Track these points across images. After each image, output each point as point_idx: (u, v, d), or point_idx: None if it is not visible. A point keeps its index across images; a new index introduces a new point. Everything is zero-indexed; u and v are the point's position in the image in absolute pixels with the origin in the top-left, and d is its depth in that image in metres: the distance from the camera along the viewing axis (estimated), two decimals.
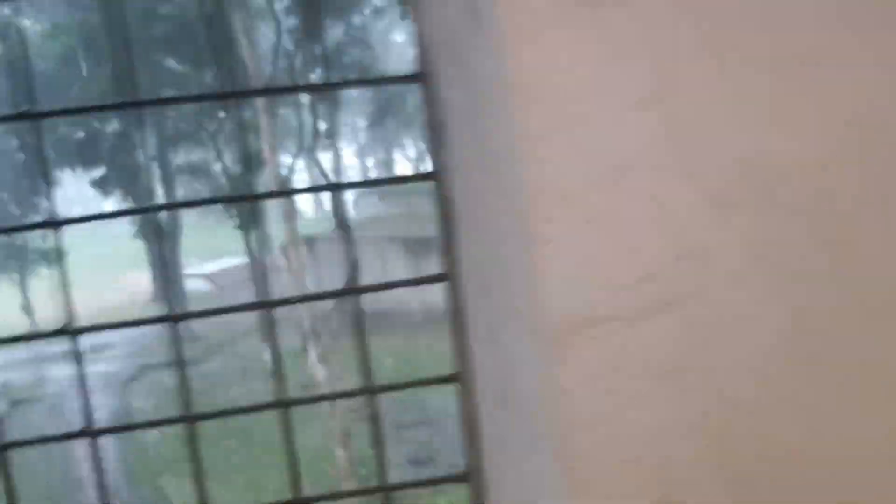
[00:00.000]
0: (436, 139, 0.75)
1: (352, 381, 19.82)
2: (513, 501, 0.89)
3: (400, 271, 27.60)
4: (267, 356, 22.83)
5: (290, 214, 13.80)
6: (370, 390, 1.09)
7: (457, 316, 0.83)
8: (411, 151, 48.26)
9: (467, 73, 0.75)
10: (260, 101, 13.82)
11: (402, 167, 46.63)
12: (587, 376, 0.70)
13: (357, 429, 16.78)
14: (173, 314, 0.86)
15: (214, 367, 24.71)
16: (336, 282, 22.53)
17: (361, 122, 34.94)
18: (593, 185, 0.69)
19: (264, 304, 0.99)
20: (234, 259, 41.08)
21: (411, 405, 19.05)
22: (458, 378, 0.81)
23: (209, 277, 36.80)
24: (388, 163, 44.34)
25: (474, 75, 0.73)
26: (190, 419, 0.88)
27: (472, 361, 0.88)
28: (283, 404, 0.93)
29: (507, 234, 0.77)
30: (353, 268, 16.91)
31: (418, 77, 0.70)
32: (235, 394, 21.66)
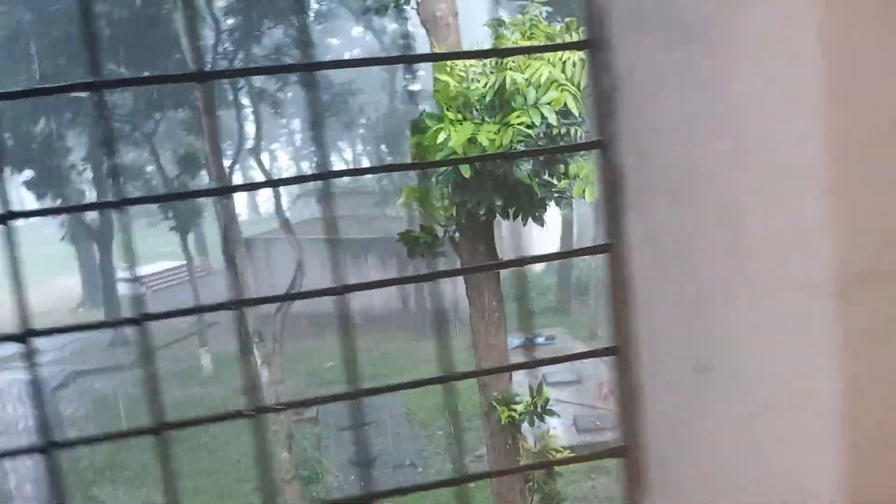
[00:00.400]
0: (604, 107, 0.78)
1: (294, 384, 19.72)
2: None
3: (340, 273, 27.52)
4: (205, 361, 22.51)
5: (232, 215, 13.69)
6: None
7: (618, 288, 0.83)
8: (348, 154, 48.16)
9: (653, 38, 0.73)
10: (201, 102, 13.65)
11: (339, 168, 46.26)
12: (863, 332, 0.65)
13: (299, 432, 16.74)
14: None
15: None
16: (278, 283, 22.43)
17: (297, 125, 34.69)
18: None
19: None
20: (167, 262, 40.29)
21: (356, 408, 19.05)
22: (618, 351, 0.84)
23: (141, 281, 35.92)
24: (323, 167, 43.97)
25: (666, 39, 0.72)
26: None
27: (632, 334, 0.88)
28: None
29: (720, 198, 0.74)
30: (299, 269, 16.84)
31: (588, 44, 0.75)
32: (174, 399, 21.26)
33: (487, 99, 5.80)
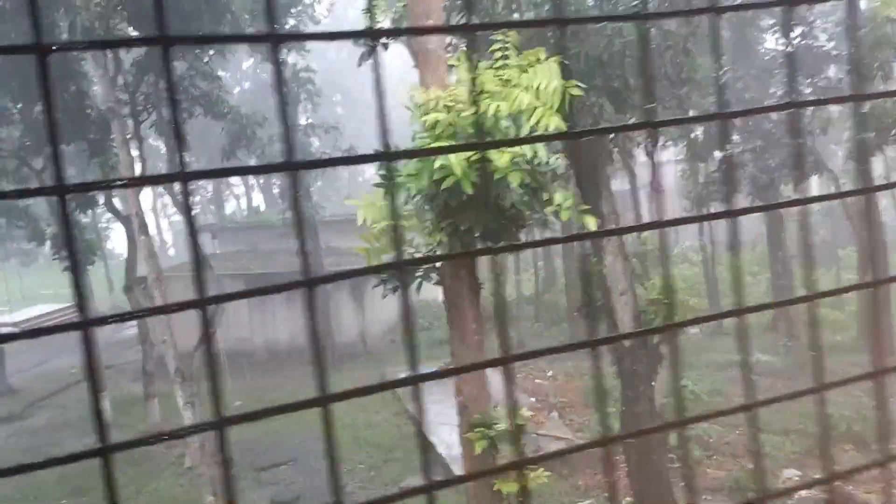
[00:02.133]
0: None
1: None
2: None
3: (245, 309, 26.85)
4: (105, 404, 21.32)
5: (151, 251, 13.15)
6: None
7: None
8: (239, 189, 47.19)
9: None
10: (118, 135, 13.12)
11: (231, 204, 45.44)
12: None
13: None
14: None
15: (39, 423, 22.71)
16: (191, 320, 21.56)
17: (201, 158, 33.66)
18: None
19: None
20: (47, 306, 38.06)
21: (271, 446, 18.56)
22: None
23: (19, 325, 33.76)
24: (218, 200, 43.08)
25: None
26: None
27: None
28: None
29: None
30: (217, 305, 16.34)
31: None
32: (70, 448, 20.00)
33: (487, 126, 5.90)
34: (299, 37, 1.01)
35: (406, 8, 7.99)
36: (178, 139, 0.99)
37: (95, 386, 0.88)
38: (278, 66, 0.98)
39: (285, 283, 0.98)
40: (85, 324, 0.83)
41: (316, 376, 0.99)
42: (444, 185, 5.75)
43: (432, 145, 5.85)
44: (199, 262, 0.93)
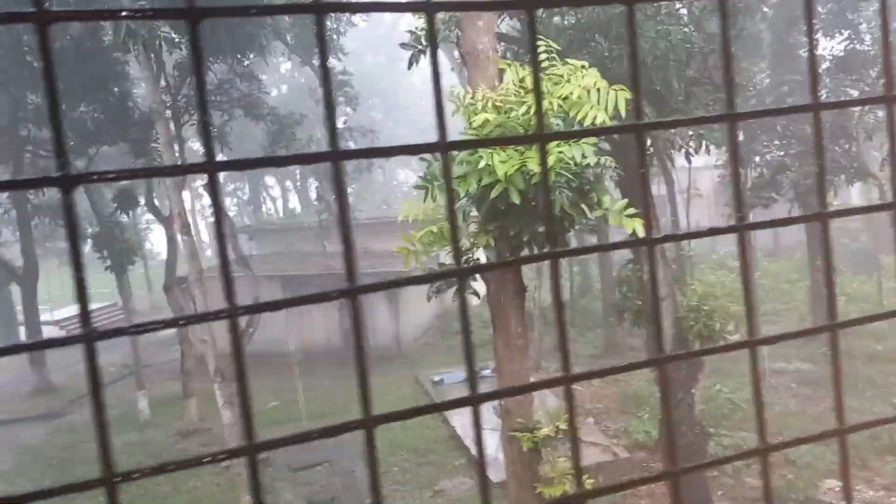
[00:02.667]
0: None
1: (265, 426, 19.07)
2: None
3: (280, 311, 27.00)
4: (143, 404, 21.64)
5: (194, 251, 13.31)
6: None
7: None
8: (275, 191, 47.59)
9: None
10: (162, 136, 13.31)
11: (269, 206, 45.84)
12: None
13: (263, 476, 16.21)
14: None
15: (79, 420, 23.08)
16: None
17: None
18: None
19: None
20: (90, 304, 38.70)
21: (307, 447, 18.67)
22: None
23: (61, 324, 34.44)
24: (255, 202, 43.49)
25: None
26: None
27: None
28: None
29: None
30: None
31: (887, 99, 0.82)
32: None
33: (531, 126, 5.88)
34: (346, 7, 0.92)
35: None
36: (205, 128, 0.92)
37: (99, 401, 0.81)
38: (323, 38, 0.91)
39: (329, 293, 0.93)
40: (87, 338, 0.79)
41: (360, 399, 0.92)
42: (493, 195, 5.74)
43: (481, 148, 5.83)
44: (226, 265, 0.87)
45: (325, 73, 0.94)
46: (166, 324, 0.88)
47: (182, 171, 0.91)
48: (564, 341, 1.08)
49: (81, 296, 0.82)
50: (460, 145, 1.20)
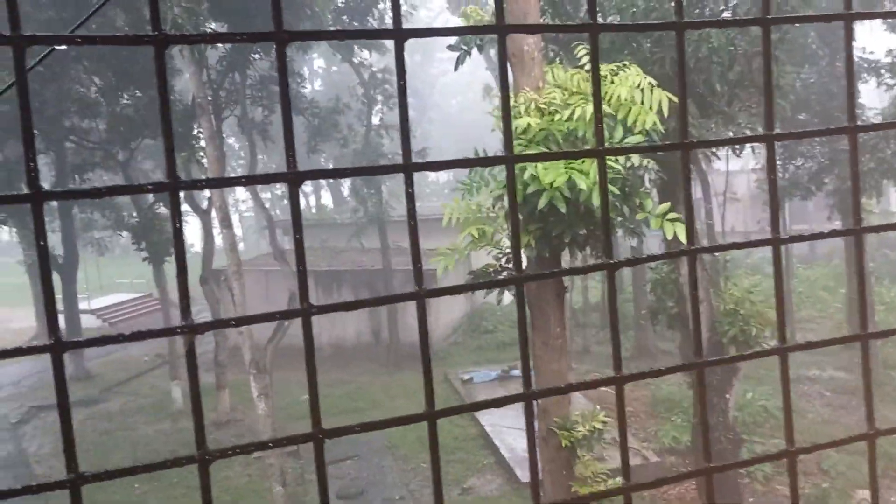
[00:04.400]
0: None
1: (297, 419, 19.27)
2: None
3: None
4: (177, 394, 21.95)
5: (233, 245, 13.46)
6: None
7: None
8: (307, 187, 47.90)
9: None
10: (206, 129, 13.48)
11: (301, 201, 46.08)
12: None
13: (290, 468, 16.44)
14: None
15: (114, 407, 23.49)
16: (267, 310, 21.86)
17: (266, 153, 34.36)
18: None
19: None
20: (123, 295, 39.33)
21: (336, 441, 18.80)
22: None
23: (97, 313, 35.01)
24: (283, 195, 43.87)
25: None
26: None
27: None
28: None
29: None
30: (292, 299, 16.64)
31: None
32: (144, 434, 20.66)
33: (578, 133, 5.92)
34: (426, 32, 0.95)
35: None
36: (287, 140, 0.90)
37: (66, 410, 0.80)
38: (401, 62, 0.93)
39: (398, 295, 0.94)
40: (55, 347, 0.78)
41: (426, 392, 0.95)
42: (540, 205, 5.75)
43: (525, 151, 5.86)
44: (302, 273, 0.87)
45: (403, 97, 0.97)
46: (129, 338, 0.86)
47: (268, 179, 0.90)
48: (617, 346, 1.11)
49: (51, 308, 0.81)
50: (525, 158, 1.26)
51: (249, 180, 0.93)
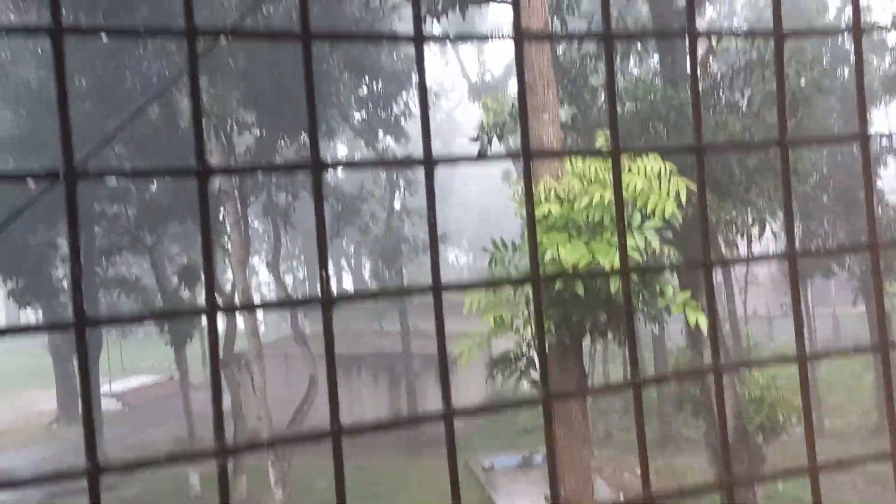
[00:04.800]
0: None
1: None
2: None
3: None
4: (194, 479, 21.71)
5: (255, 329, 13.57)
6: None
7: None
8: (329, 269, 48.18)
9: None
10: (231, 215, 13.78)
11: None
12: None
13: None
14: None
15: (130, 494, 23.20)
16: (291, 396, 21.91)
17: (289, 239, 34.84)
18: None
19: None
20: (144, 378, 39.36)
21: None
22: None
23: (118, 396, 34.99)
24: (310, 278, 44.29)
25: None
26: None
27: None
28: None
29: None
30: (312, 383, 16.58)
31: None
32: None
33: (596, 219, 6.04)
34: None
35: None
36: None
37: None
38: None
39: (427, 416, 0.92)
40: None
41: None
42: (557, 286, 5.83)
43: (546, 235, 5.99)
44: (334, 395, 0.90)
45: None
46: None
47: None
48: (646, 467, 1.09)
49: (88, 417, 0.78)
50: (552, 279, 1.31)
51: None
